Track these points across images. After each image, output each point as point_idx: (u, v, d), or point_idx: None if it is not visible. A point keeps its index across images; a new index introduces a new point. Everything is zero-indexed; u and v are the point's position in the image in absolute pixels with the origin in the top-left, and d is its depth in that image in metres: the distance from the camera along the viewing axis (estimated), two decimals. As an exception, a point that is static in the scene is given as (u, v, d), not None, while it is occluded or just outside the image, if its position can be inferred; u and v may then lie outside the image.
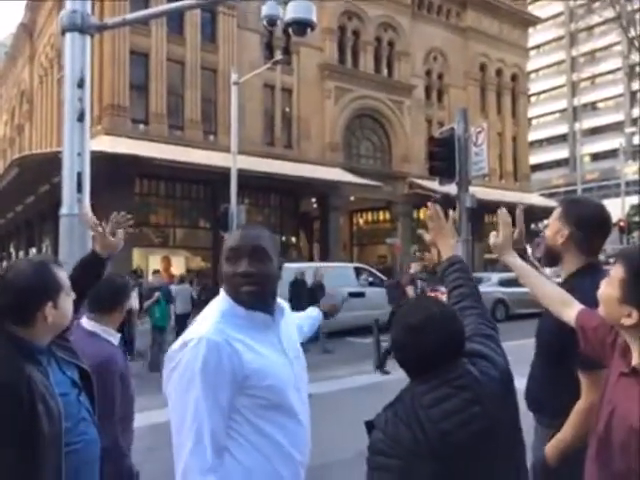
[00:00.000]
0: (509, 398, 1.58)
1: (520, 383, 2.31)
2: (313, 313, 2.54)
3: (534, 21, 37.03)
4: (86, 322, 2.64)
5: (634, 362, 1.53)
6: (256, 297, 1.65)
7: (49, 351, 1.81)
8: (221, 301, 1.68)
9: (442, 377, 1.50)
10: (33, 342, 1.75)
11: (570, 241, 2.17)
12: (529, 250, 2.51)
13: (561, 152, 62.16)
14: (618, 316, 1.56)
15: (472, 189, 11.36)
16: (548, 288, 2.04)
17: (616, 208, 35.49)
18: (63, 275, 1.83)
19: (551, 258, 2.29)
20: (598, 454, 1.57)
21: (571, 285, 2.09)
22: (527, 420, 2.26)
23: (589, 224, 2.18)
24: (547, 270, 2.55)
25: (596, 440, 1.59)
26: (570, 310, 1.89)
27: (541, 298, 2.05)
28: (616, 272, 1.57)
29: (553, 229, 2.24)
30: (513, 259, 2.17)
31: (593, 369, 1.86)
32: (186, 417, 1.53)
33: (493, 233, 2.22)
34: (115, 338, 2.69)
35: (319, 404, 6.33)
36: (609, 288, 1.59)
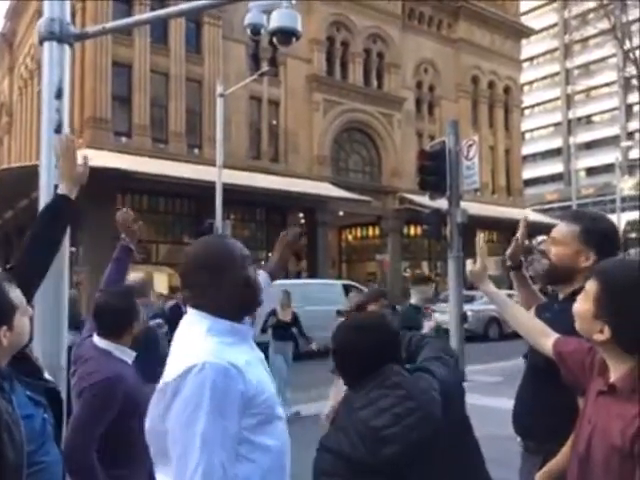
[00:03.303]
0: (449, 409, 1.62)
1: (509, 405, 2.35)
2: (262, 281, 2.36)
3: (527, 33, 37.56)
4: (98, 340, 2.63)
5: (611, 379, 1.55)
6: (260, 302, 1.73)
7: (9, 373, 1.74)
8: (200, 320, 1.62)
9: (375, 380, 1.59)
10: None
11: (594, 264, 2.07)
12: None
13: (555, 166, 62.71)
14: (591, 332, 1.57)
15: (463, 204, 11.44)
16: (525, 319, 2.07)
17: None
18: (16, 293, 1.76)
19: (557, 278, 2.23)
20: (580, 474, 1.58)
21: (568, 306, 2.10)
22: (513, 445, 2.30)
23: (616, 243, 2.16)
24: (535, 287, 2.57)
25: (577, 460, 1.60)
26: (547, 340, 1.92)
27: (519, 328, 2.07)
28: (591, 287, 1.59)
29: (571, 250, 2.15)
30: (490, 288, 2.20)
31: (581, 395, 1.82)
32: (193, 450, 1.44)
33: (469, 261, 2.25)
34: (129, 356, 2.65)
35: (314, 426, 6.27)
36: (584, 303, 1.61)
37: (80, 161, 2.39)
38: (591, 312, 1.57)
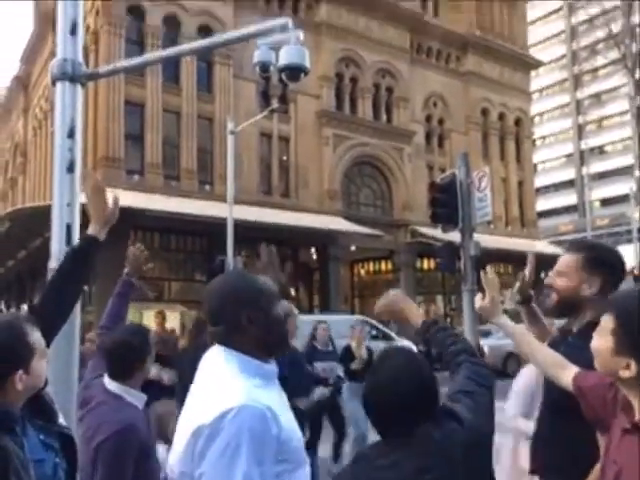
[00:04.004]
0: (473, 461, 1.54)
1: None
2: None
3: (536, 64, 37.92)
4: (109, 382, 2.58)
5: (637, 417, 1.50)
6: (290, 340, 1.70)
7: (22, 416, 1.72)
8: (230, 358, 1.59)
9: (401, 440, 1.50)
10: (4, 408, 1.66)
11: (602, 292, 2.09)
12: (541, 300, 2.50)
13: (569, 198, 62.53)
14: (615, 369, 1.52)
15: (477, 236, 11.40)
16: (543, 352, 2.04)
17: (629, 255, 35.55)
18: (36, 336, 1.75)
19: (566, 309, 2.21)
20: None
21: (583, 338, 2.02)
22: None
23: (620, 271, 2.16)
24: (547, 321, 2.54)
25: None
26: (566, 374, 1.88)
27: (536, 362, 2.06)
28: (606, 322, 1.55)
29: (575, 279, 2.15)
30: (504, 322, 2.16)
31: (602, 432, 1.78)
32: None
33: (479, 296, 2.23)
34: (140, 401, 2.61)
35: None
36: (601, 340, 1.56)
37: (110, 201, 2.38)
38: (611, 348, 1.52)
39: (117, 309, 2.95)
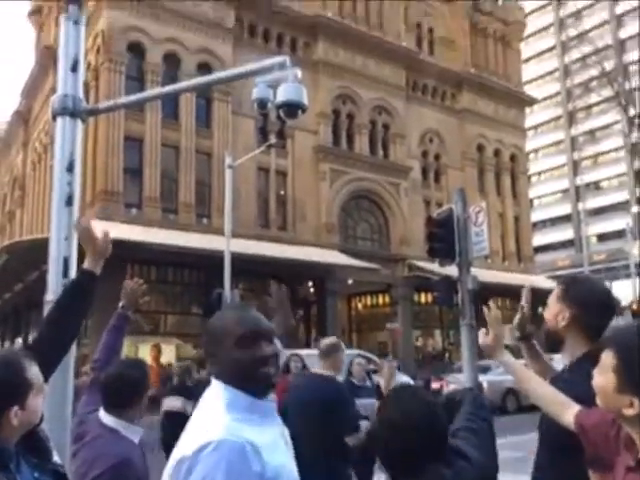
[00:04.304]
0: None
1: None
2: None
3: (530, 102, 38.52)
4: (105, 416, 2.56)
5: None
6: (273, 380, 1.64)
7: (17, 452, 1.69)
8: (221, 393, 1.60)
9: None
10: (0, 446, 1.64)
11: (573, 324, 2.11)
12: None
13: (565, 233, 62.79)
14: (618, 406, 1.50)
15: (474, 270, 11.42)
16: (544, 390, 2.02)
17: (627, 290, 35.49)
18: (34, 371, 1.73)
19: (553, 343, 2.22)
20: None
21: (575, 373, 2.06)
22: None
23: (593, 304, 2.12)
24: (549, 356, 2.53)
25: None
26: (568, 412, 1.86)
27: (537, 400, 2.02)
28: (607, 359, 1.54)
29: (553, 311, 2.17)
30: (506, 359, 2.16)
31: (604, 470, 1.73)
32: None
33: (482, 331, 2.23)
34: (136, 435, 2.59)
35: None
36: (603, 377, 1.55)
37: (100, 235, 2.45)
38: (613, 386, 1.50)
39: (112, 342, 2.91)
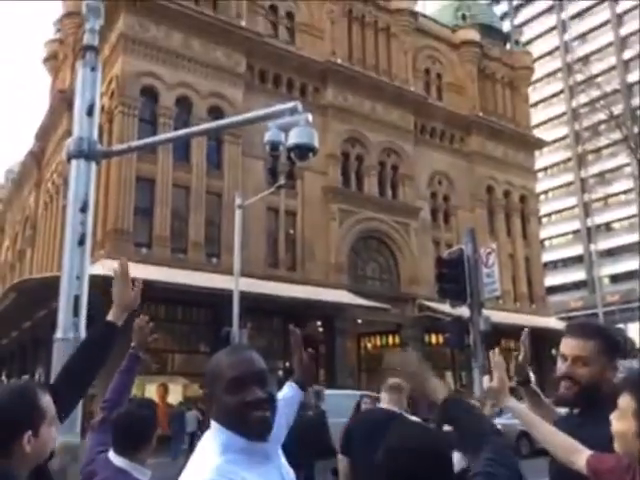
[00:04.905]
0: None
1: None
2: (287, 394, 2.36)
3: (539, 144, 38.80)
4: (114, 457, 2.56)
5: None
6: (269, 424, 1.61)
7: None
8: (217, 435, 1.60)
9: None
10: (11, 475, 1.65)
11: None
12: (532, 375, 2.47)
13: (578, 274, 62.36)
14: (638, 451, 1.49)
15: (485, 312, 11.35)
16: (555, 436, 1.99)
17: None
18: (47, 401, 1.75)
19: (590, 398, 2.08)
20: None
21: (587, 417, 2.05)
22: None
23: (615, 350, 2.11)
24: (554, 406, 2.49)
25: None
26: (579, 457, 1.83)
27: (547, 445, 2.00)
28: (627, 404, 1.53)
29: (598, 366, 2.08)
30: (513, 404, 2.13)
31: None
32: None
33: (486, 377, 2.21)
34: (145, 476, 2.58)
35: None
36: (623, 422, 1.53)
37: (134, 288, 2.53)
38: (635, 431, 1.48)
39: (123, 384, 2.91)
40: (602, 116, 33.77)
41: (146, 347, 3.00)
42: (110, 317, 2.46)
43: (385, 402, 4.50)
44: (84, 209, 4.15)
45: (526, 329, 2.51)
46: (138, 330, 2.95)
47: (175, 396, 20.84)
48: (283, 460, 1.75)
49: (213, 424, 1.63)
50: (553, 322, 32.62)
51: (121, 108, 22.17)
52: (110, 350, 2.43)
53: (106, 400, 2.85)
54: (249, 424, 1.58)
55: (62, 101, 26.57)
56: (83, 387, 2.33)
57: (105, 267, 18.49)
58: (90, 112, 4.33)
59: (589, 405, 2.09)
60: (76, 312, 3.97)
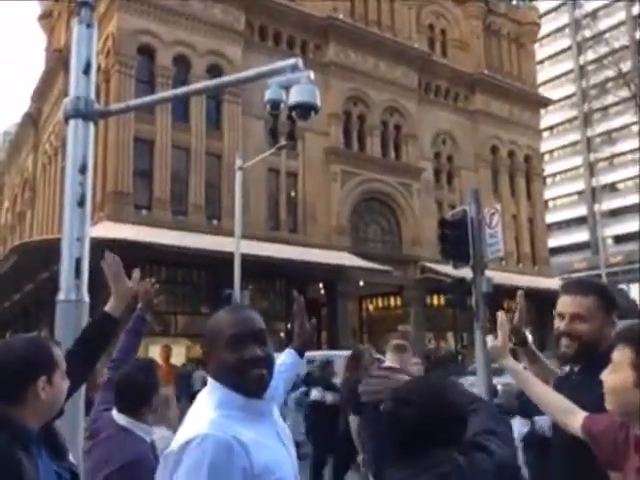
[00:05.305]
0: None
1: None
2: (287, 360, 2.42)
3: (545, 102, 38.30)
4: (117, 415, 2.62)
5: None
6: (265, 382, 1.65)
7: (38, 439, 1.74)
8: (214, 391, 1.64)
9: (424, 464, 1.48)
10: (24, 425, 1.68)
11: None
12: (531, 337, 2.50)
13: (581, 235, 62.39)
14: (637, 403, 1.48)
15: (488, 273, 11.39)
16: (551, 397, 2.03)
17: (643, 292, 35.20)
18: (59, 353, 1.81)
19: (590, 354, 2.10)
20: None
21: (586, 377, 2.06)
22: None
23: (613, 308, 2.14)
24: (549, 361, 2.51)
25: None
26: (574, 419, 1.86)
27: (542, 406, 2.05)
28: (622, 356, 1.53)
29: (597, 322, 2.10)
30: (513, 365, 2.18)
31: (619, 471, 1.73)
32: None
33: (490, 336, 2.24)
34: (148, 434, 2.64)
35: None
36: (619, 374, 1.53)
37: (131, 280, 2.60)
38: (633, 381, 1.48)
39: (130, 344, 2.98)
40: (610, 73, 33.24)
41: (151, 309, 3.04)
42: (108, 308, 2.52)
43: (389, 361, 4.68)
44: (83, 170, 4.12)
45: (521, 291, 2.53)
46: (143, 293, 2.98)
47: (179, 357, 21.09)
48: (278, 418, 1.78)
49: (210, 381, 1.67)
50: (556, 283, 32.69)
51: (118, 67, 21.86)
52: (109, 340, 2.49)
53: (113, 360, 2.91)
54: (246, 381, 1.61)
55: (58, 60, 26.18)
56: (84, 372, 2.37)
57: (106, 229, 18.54)
58: (87, 70, 4.26)
59: (590, 361, 2.09)
60: (78, 274, 3.98)
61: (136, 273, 2.63)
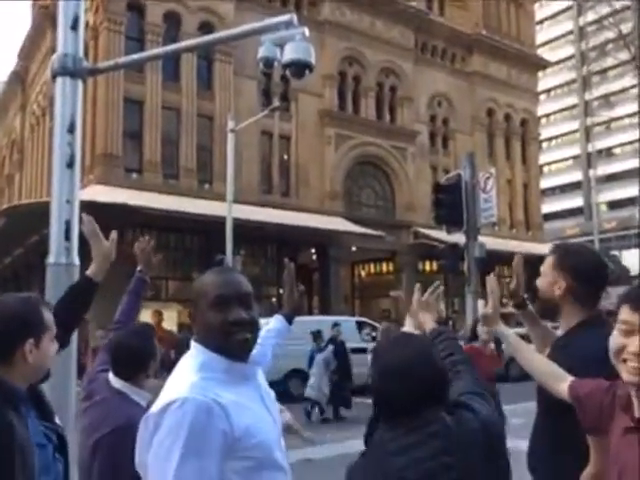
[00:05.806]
0: (491, 454, 1.52)
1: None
2: (275, 326, 2.46)
3: (543, 65, 37.97)
4: (113, 379, 2.62)
5: (637, 414, 1.50)
6: (249, 345, 1.65)
7: (27, 398, 1.75)
8: (197, 355, 1.63)
9: (413, 424, 1.49)
10: (12, 385, 1.68)
11: (569, 294, 2.15)
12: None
13: (575, 200, 62.51)
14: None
15: (481, 239, 11.43)
16: (539, 363, 2.07)
17: (636, 259, 35.46)
18: (49, 316, 1.80)
19: (548, 311, 2.27)
20: None
21: (571, 340, 2.12)
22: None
23: (589, 275, 2.16)
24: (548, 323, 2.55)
25: None
26: (562, 384, 1.90)
27: (533, 373, 2.08)
28: (632, 317, 1.50)
29: (548, 280, 2.20)
30: (503, 329, 2.21)
31: (601, 435, 1.77)
32: None
33: (481, 302, 2.27)
34: (144, 399, 2.58)
35: (319, 471, 6.19)
36: (631, 339, 1.50)
37: (108, 241, 2.58)
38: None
39: (131, 306, 2.98)
40: (610, 35, 32.86)
41: (152, 268, 3.05)
42: (89, 272, 2.52)
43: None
44: (71, 130, 4.05)
45: (519, 254, 2.54)
46: (140, 252, 2.97)
47: (170, 322, 21.20)
48: (263, 381, 1.78)
49: (193, 344, 1.66)
50: (549, 249, 32.91)
51: (107, 24, 21.40)
52: (89, 304, 2.51)
53: (116, 321, 2.92)
54: (230, 343, 1.60)
55: (45, 17, 25.56)
56: (61, 342, 2.36)
57: (96, 193, 18.40)
58: (74, 26, 4.15)
59: (549, 317, 2.28)
60: (67, 237, 3.94)
61: (113, 234, 2.61)
